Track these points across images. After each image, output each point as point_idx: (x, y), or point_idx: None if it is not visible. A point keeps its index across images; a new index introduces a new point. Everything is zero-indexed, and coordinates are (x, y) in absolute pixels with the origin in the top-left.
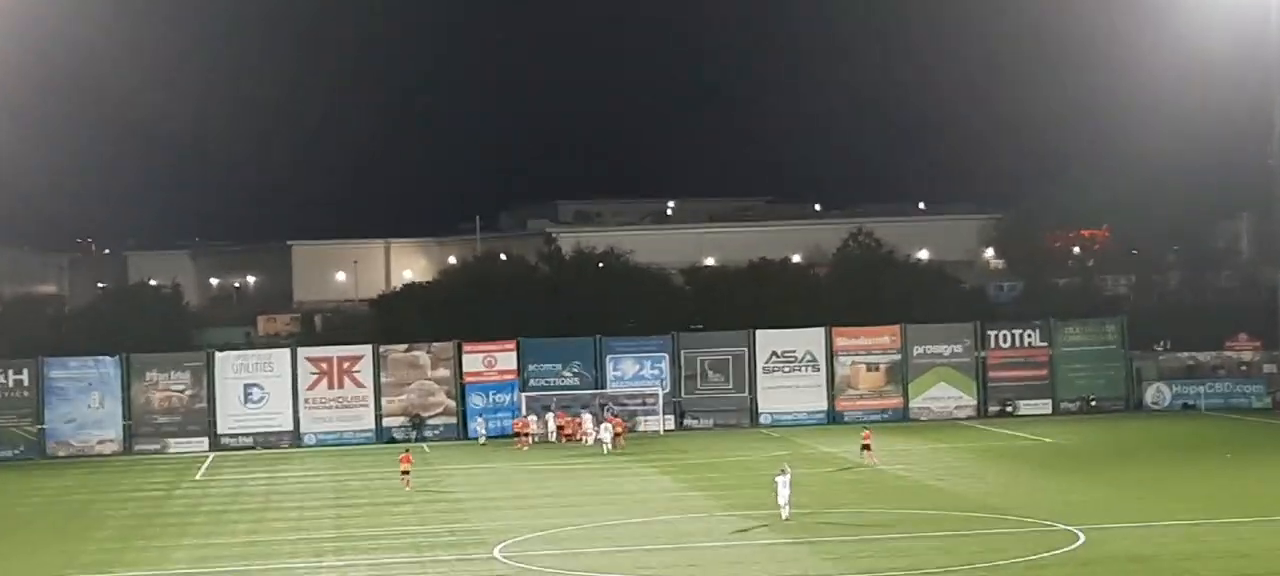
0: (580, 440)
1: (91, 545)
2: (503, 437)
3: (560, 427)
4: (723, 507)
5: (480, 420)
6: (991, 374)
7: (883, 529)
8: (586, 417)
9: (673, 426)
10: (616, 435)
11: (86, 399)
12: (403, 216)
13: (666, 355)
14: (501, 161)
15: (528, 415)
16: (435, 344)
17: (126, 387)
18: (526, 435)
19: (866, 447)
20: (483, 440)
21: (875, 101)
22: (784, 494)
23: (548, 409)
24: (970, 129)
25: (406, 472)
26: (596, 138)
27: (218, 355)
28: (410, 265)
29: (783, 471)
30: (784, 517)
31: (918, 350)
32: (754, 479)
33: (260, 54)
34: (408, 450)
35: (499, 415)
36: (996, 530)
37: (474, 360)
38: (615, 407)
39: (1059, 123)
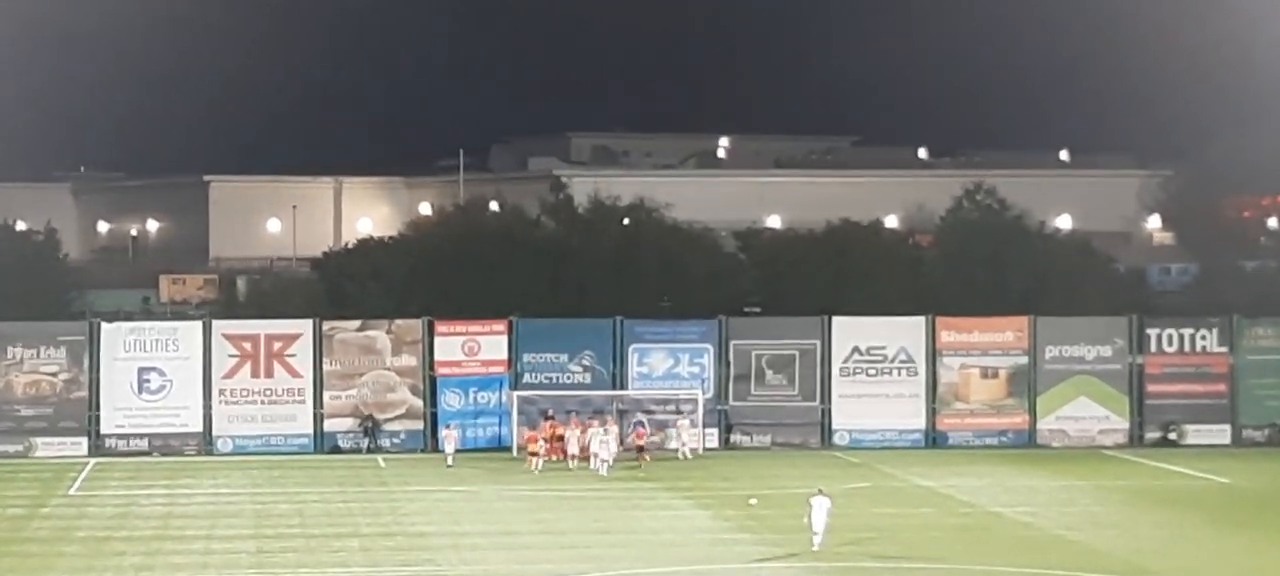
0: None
1: None
2: (480, 453)
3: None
4: (779, 555)
5: (450, 430)
6: (1151, 387)
7: None
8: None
9: (716, 443)
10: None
11: None
12: (360, 148)
13: (710, 347)
14: (495, 78)
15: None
16: (398, 322)
17: None
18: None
19: (640, 449)
20: (451, 460)
21: (1001, 15)
22: (820, 519)
23: (547, 415)
24: (1130, 55)
25: (535, 454)
26: (624, 49)
27: (105, 327)
28: (368, 213)
29: (820, 493)
30: (814, 547)
31: (1052, 352)
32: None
33: None
34: (552, 418)
35: (481, 421)
36: None
37: (450, 345)
38: (642, 415)
39: (1249, 53)
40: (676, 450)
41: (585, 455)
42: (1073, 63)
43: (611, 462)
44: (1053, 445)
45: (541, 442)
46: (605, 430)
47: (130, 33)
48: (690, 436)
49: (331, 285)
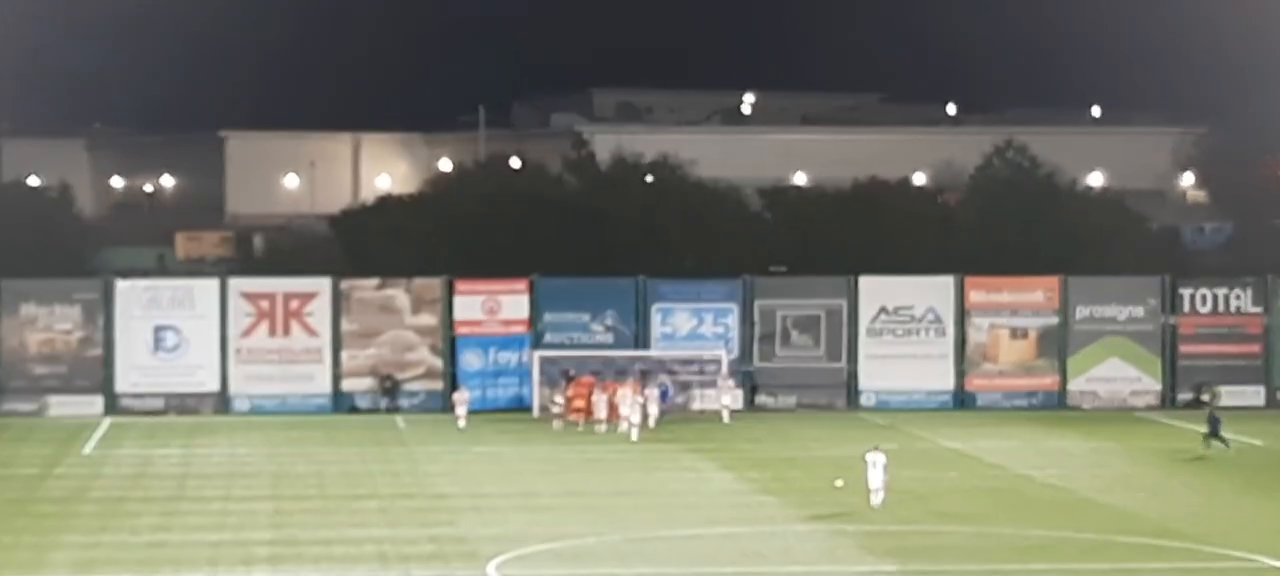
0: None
1: None
2: (500, 413)
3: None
4: (805, 518)
5: (460, 392)
6: (1184, 348)
7: (1024, 557)
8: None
9: (740, 405)
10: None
11: None
12: (379, 103)
13: (735, 306)
14: (516, 33)
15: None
16: (418, 280)
17: None
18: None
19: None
20: (462, 422)
21: None
22: (877, 476)
23: (568, 375)
24: (1164, 10)
25: (578, 410)
26: (648, 4)
27: (120, 285)
28: (387, 170)
29: (876, 448)
30: (875, 504)
31: (1083, 312)
32: (852, 480)
33: None
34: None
35: (501, 382)
36: (1179, 564)
37: (470, 304)
38: (664, 377)
39: None
40: (716, 412)
41: (613, 417)
42: (1105, 17)
43: (643, 426)
44: (1083, 407)
45: (576, 401)
46: (637, 393)
47: None
48: (731, 398)
49: (350, 243)
